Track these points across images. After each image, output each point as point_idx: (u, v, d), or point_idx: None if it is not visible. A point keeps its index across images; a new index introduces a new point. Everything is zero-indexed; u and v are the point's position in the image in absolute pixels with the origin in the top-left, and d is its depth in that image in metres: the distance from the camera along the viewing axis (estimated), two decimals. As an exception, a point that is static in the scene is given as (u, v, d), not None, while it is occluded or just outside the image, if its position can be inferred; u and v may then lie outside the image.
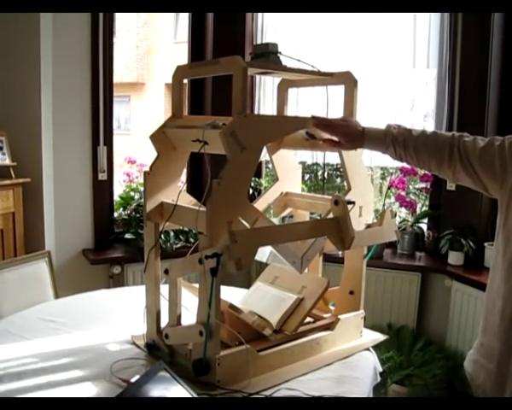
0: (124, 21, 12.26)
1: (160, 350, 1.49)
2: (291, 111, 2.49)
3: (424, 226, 3.08)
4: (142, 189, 2.92)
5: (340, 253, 2.27)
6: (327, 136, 1.50)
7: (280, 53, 1.50)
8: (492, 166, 1.29)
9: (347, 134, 1.45)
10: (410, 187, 3.02)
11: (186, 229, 2.96)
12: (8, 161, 2.59)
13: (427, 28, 2.88)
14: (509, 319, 1.29)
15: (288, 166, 1.82)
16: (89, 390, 1.31)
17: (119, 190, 3.12)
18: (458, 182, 1.42)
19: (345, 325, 1.62)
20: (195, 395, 1.19)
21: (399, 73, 2.96)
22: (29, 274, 2.13)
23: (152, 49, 13.08)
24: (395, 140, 1.40)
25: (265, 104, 3.22)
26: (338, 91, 1.66)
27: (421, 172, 3.00)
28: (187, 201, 1.54)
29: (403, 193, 2.94)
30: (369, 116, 2.99)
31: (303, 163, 3.20)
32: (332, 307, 1.75)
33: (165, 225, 1.51)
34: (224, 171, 1.29)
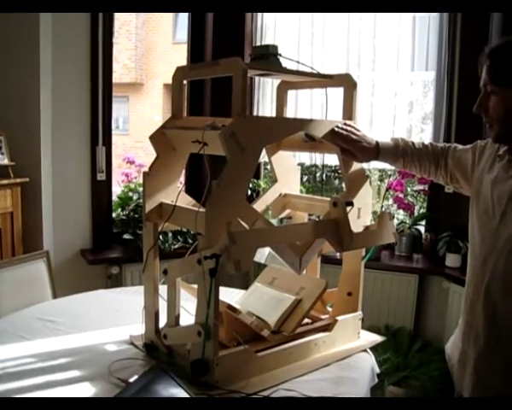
0: (123, 21, 12.24)
1: (158, 350, 1.49)
2: (290, 113, 2.50)
3: (422, 228, 3.08)
4: (140, 189, 2.92)
5: (338, 254, 2.27)
6: (345, 146, 1.58)
7: (280, 55, 1.50)
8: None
9: (363, 149, 1.54)
10: (408, 189, 3.02)
11: (184, 229, 2.97)
12: (6, 161, 2.59)
13: (425, 30, 2.89)
14: (470, 301, 1.38)
15: (286, 168, 1.82)
16: (87, 390, 1.31)
17: (117, 190, 3.12)
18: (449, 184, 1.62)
19: (342, 327, 1.62)
20: (194, 396, 1.19)
21: (398, 75, 2.97)
22: (27, 274, 2.12)
23: (151, 50, 13.08)
24: (404, 153, 1.56)
25: (264, 106, 3.22)
26: (337, 94, 1.67)
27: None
28: (186, 201, 1.55)
29: (401, 195, 2.94)
30: (368, 118, 3.00)
31: (302, 165, 3.21)
32: (330, 309, 1.75)
33: (164, 226, 1.51)
34: (223, 172, 1.29)
